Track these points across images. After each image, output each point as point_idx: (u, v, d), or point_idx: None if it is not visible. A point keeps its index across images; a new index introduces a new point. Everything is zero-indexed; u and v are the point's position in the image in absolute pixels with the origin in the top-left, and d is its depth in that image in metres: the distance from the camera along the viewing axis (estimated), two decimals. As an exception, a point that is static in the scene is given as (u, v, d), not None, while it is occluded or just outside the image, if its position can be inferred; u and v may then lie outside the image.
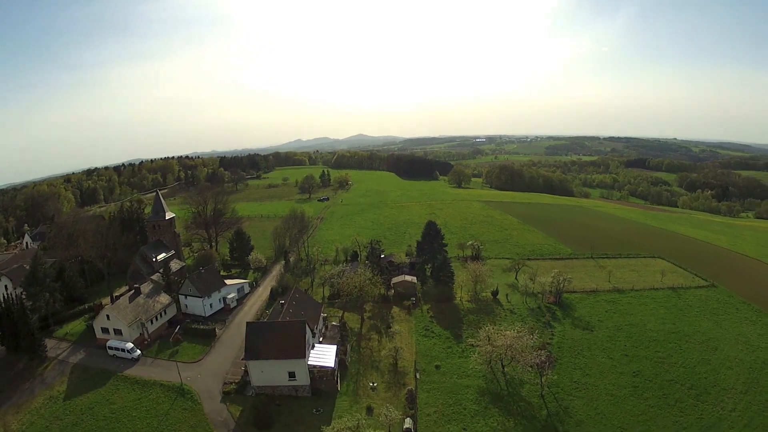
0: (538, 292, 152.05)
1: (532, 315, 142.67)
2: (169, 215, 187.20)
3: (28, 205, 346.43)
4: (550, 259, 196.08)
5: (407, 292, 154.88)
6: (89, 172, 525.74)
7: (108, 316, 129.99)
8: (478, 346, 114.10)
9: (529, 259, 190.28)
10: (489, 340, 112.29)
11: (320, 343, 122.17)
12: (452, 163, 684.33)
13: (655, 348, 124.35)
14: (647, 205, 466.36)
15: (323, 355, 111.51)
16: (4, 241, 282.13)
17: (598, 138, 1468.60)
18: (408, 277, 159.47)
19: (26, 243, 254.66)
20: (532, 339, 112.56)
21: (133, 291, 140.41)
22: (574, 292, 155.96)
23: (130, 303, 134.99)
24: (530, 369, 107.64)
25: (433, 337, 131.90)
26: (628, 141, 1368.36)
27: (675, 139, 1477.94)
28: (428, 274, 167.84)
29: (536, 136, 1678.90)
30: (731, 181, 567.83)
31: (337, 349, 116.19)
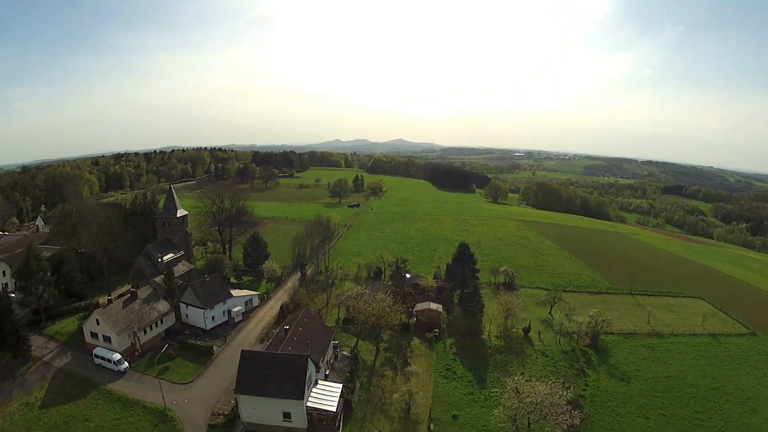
0: (573, 332, 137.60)
1: (566, 359, 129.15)
2: (180, 212, 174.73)
3: (48, 186, 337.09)
4: (587, 292, 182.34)
5: (431, 322, 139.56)
6: (118, 157, 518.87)
7: (98, 320, 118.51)
8: (503, 397, 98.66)
9: (565, 290, 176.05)
10: (517, 392, 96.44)
11: (326, 377, 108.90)
12: (489, 176, 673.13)
13: (693, 407, 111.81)
14: (683, 234, 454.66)
15: (326, 395, 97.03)
16: (17, 221, 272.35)
17: (635, 161, 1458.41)
18: (433, 305, 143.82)
19: (37, 226, 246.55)
20: (566, 395, 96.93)
21: (129, 295, 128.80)
22: (611, 333, 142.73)
23: (123, 308, 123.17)
24: (559, 428, 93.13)
25: (454, 378, 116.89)
26: (665, 166, 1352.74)
27: (711, 167, 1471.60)
28: (456, 301, 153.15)
29: (575, 155, 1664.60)
30: (766, 215, 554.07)
31: (343, 388, 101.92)
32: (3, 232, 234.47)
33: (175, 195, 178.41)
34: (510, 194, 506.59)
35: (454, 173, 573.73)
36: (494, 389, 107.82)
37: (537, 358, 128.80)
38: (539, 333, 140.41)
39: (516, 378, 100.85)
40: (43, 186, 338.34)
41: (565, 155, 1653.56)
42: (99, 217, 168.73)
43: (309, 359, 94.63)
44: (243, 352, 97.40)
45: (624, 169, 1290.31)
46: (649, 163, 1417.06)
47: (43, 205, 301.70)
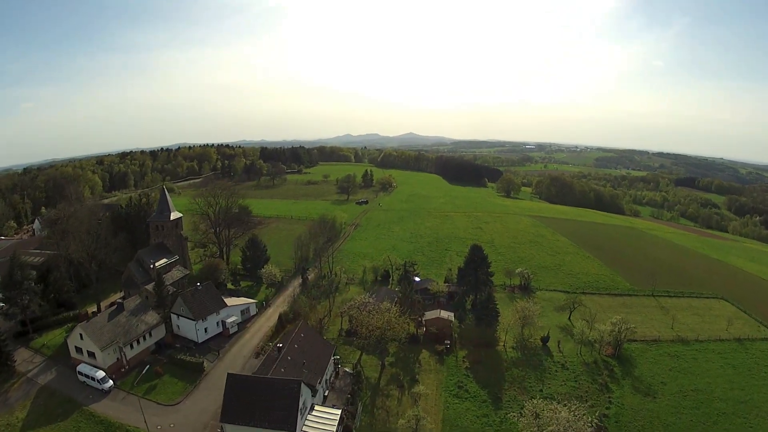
0: (595, 341, 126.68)
1: (588, 372, 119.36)
2: (174, 215, 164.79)
3: (49, 187, 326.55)
4: (607, 294, 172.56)
5: (441, 332, 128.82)
6: (123, 155, 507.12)
7: (81, 335, 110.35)
8: (521, 423, 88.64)
9: (584, 293, 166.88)
10: (536, 418, 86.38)
11: (325, 398, 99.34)
12: (501, 169, 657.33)
13: (723, 424, 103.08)
14: (698, 228, 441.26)
15: (322, 423, 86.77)
16: (14, 224, 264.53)
17: (647, 153, 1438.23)
18: (444, 314, 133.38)
19: (34, 229, 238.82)
20: (590, 420, 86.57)
21: (115, 306, 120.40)
22: (635, 341, 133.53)
23: (108, 321, 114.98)
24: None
25: (466, 398, 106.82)
26: (677, 158, 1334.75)
27: (722, 159, 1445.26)
28: (468, 307, 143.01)
29: (586, 147, 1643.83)
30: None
31: (343, 412, 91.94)
32: (0, 236, 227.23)
33: (168, 196, 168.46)
34: (522, 188, 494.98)
35: (465, 167, 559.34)
36: (511, 412, 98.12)
37: (557, 371, 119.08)
38: (558, 342, 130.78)
39: (535, 401, 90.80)
40: (44, 187, 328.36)
41: (576, 147, 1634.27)
42: (88, 221, 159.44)
43: (303, 384, 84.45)
44: (229, 375, 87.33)
45: (635, 161, 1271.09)
46: (660, 155, 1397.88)
47: (43, 207, 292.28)
